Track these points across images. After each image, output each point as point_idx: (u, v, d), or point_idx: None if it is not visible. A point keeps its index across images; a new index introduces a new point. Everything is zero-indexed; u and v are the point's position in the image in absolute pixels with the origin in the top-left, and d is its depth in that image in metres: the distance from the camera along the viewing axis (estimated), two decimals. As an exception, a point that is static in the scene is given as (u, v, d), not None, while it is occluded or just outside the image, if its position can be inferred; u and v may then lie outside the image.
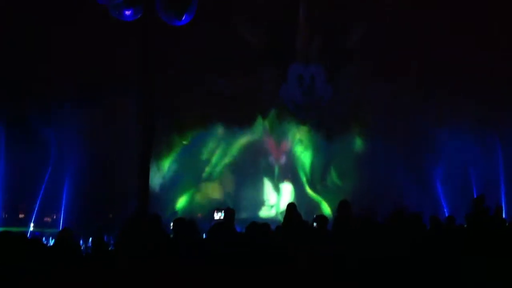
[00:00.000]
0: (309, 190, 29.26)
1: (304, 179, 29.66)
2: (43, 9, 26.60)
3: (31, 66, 26.30)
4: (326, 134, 30.16)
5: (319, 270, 5.85)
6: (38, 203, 24.34)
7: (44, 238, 19.24)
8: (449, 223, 10.51)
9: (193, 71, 28.65)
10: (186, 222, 9.83)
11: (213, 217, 20.49)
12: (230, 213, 10.03)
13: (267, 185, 29.36)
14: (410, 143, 28.38)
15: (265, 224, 8.16)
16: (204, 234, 9.03)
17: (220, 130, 29.37)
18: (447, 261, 6.23)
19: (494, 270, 6.06)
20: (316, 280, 5.56)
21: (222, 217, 11.19)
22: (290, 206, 9.70)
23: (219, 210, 20.97)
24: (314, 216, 9.69)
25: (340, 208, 9.37)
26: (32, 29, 26.58)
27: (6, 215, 25.75)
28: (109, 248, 12.04)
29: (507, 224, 10.70)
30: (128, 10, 20.54)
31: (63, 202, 24.81)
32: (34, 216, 24.28)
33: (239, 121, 29.54)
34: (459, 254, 6.83)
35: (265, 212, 28.43)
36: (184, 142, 29.17)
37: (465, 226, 9.88)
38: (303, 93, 31.02)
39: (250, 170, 29.28)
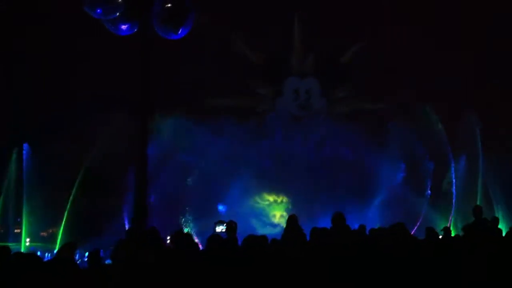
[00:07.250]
0: None
1: None
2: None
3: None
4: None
5: (318, 269, 5.86)
6: (34, 218, 24.26)
7: (39, 253, 19.19)
8: (445, 234, 10.59)
9: (191, 87, 28.65)
10: (184, 235, 9.84)
11: (215, 230, 20.20)
12: (232, 226, 9.93)
13: None
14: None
15: (263, 236, 8.14)
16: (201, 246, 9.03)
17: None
18: (441, 265, 6.27)
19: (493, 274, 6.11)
20: (316, 280, 5.58)
21: (223, 230, 11.09)
22: (292, 217, 9.70)
23: (220, 223, 20.67)
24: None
25: (335, 220, 9.38)
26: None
27: (2, 230, 25.70)
28: (105, 262, 12.00)
29: (503, 235, 10.75)
30: (124, 25, 20.55)
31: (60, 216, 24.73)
32: (28, 231, 24.19)
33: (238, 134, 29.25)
34: (456, 259, 6.87)
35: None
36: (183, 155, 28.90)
37: (462, 235, 9.92)
38: (298, 105, 31.15)
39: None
